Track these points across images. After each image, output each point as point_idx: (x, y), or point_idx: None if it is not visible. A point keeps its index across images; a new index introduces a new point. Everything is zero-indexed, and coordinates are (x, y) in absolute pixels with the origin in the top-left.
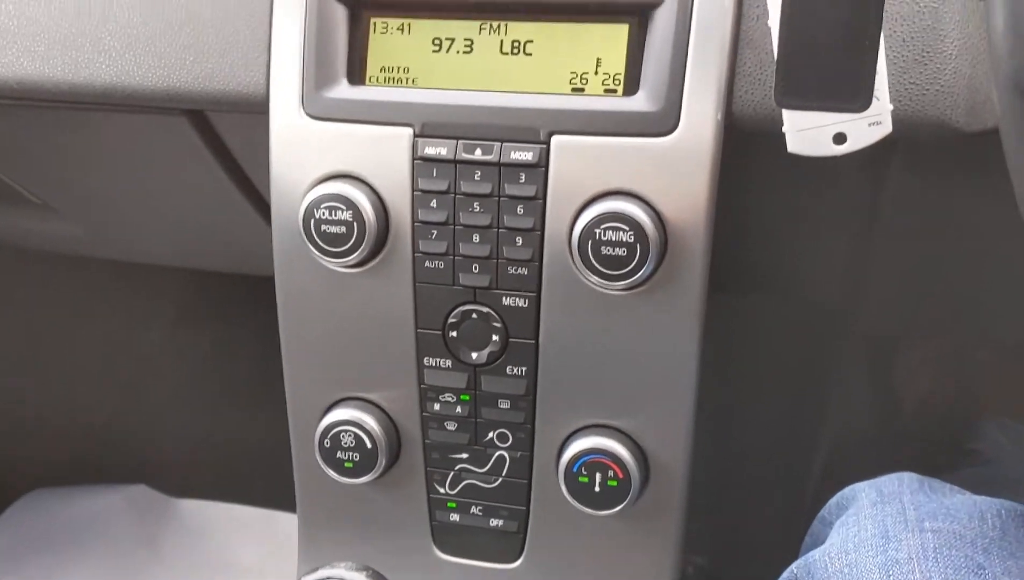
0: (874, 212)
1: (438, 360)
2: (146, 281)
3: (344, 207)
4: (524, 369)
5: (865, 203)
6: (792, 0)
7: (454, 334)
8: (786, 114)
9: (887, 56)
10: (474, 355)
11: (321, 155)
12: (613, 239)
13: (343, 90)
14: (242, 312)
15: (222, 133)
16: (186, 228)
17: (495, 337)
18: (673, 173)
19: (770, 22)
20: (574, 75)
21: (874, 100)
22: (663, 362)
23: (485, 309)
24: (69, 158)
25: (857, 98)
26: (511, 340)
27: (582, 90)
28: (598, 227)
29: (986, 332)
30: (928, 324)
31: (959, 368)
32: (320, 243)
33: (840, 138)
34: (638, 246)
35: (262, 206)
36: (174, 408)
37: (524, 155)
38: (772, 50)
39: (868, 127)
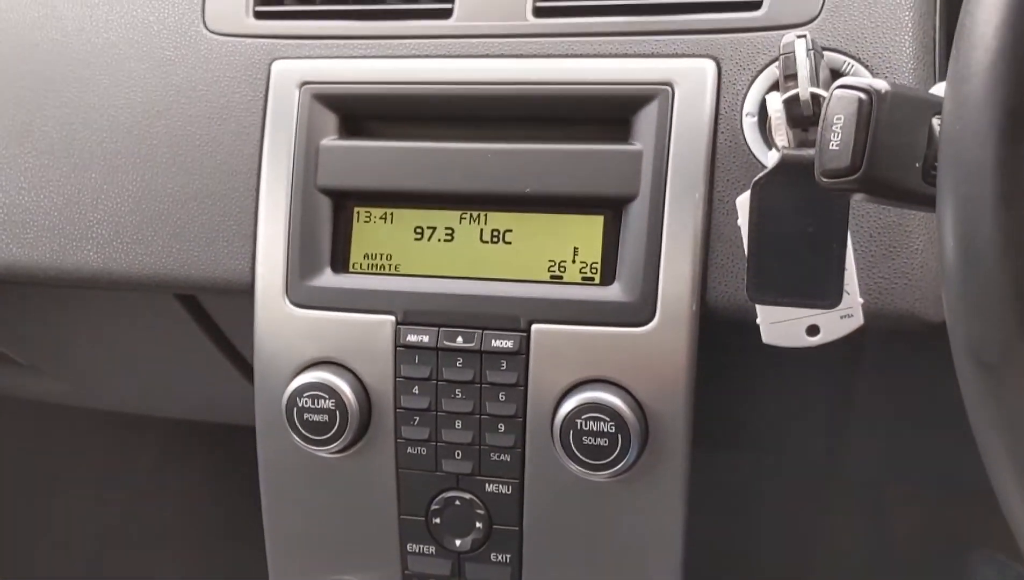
0: (852, 380)
1: (421, 547)
2: (134, 422)
3: (326, 396)
4: (508, 556)
5: (844, 376)
6: (760, 209)
7: (437, 521)
8: (759, 307)
9: (855, 251)
10: (458, 542)
11: (304, 342)
12: (594, 429)
13: (327, 279)
14: (227, 455)
15: (209, 309)
16: (171, 384)
17: (479, 524)
18: (651, 362)
19: (740, 222)
20: (552, 263)
21: (844, 294)
22: (648, 544)
23: (468, 496)
24: (57, 328)
25: (828, 296)
26: (495, 527)
27: (560, 278)
28: (579, 417)
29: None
30: (913, 470)
31: (947, 507)
32: (303, 431)
33: (813, 330)
34: (619, 436)
35: (246, 368)
36: (164, 546)
37: (505, 343)
38: (743, 245)
39: (840, 319)
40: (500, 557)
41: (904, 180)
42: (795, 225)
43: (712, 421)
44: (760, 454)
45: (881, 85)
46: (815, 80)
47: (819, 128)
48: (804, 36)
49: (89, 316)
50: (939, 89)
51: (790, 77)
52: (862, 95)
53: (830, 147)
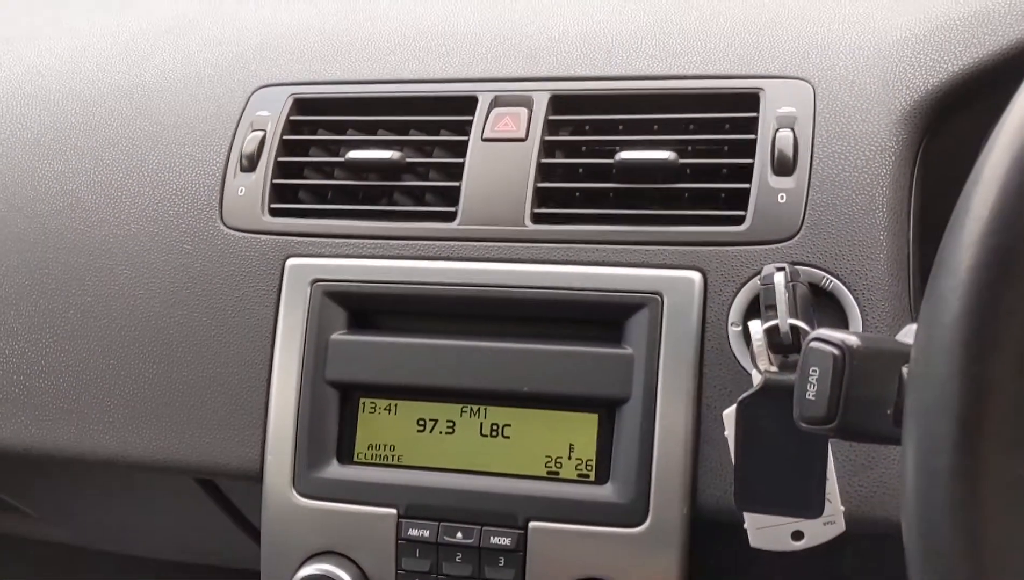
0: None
1: None
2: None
3: None
4: None
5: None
6: (745, 425)
7: None
8: (746, 514)
9: (836, 461)
10: None
11: (310, 533)
12: None
13: (333, 470)
14: None
15: (221, 484)
16: (172, 535)
17: None
18: (643, 563)
19: (726, 434)
20: (549, 459)
21: (827, 503)
22: None
23: None
24: (70, 491)
25: (810, 508)
26: None
27: (557, 474)
28: None
29: None
30: None
31: None
32: None
33: (798, 535)
34: None
35: (251, 529)
36: None
37: (503, 540)
38: (731, 454)
39: (823, 526)
40: None
41: (876, 426)
42: (778, 442)
43: None
44: None
45: (853, 341)
46: (794, 310)
47: (796, 375)
48: (784, 269)
49: (107, 481)
50: (907, 334)
51: (770, 307)
52: (836, 351)
53: (807, 397)
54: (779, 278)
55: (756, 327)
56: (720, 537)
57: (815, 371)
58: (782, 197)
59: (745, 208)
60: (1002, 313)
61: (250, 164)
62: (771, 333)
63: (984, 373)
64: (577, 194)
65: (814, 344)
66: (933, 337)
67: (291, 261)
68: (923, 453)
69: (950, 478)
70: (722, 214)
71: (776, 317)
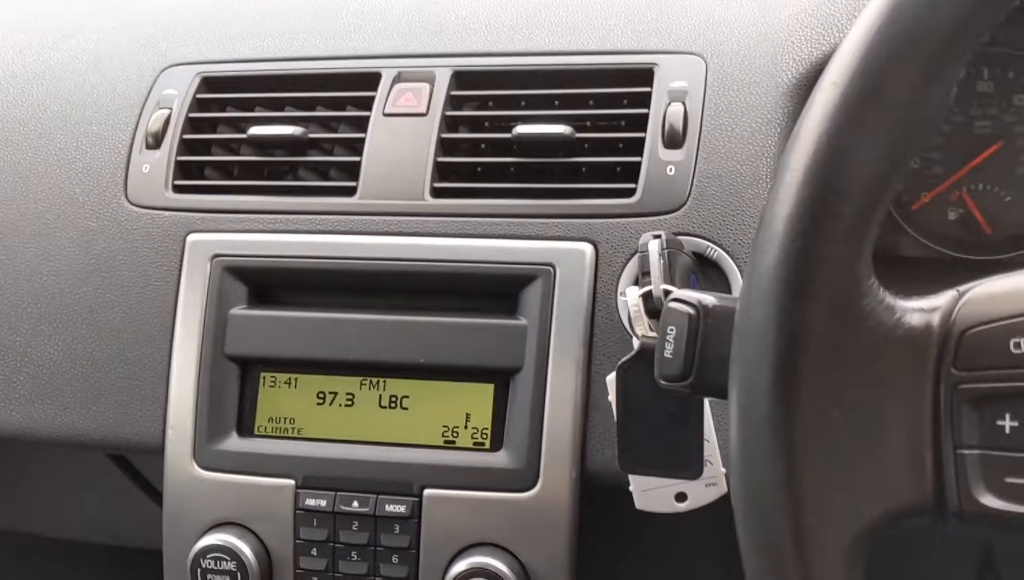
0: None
1: None
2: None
3: (228, 558)
4: None
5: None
6: (624, 389)
7: None
8: (631, 476)
9: (716, 423)
10: None
11: (210, 504)
12: None
13: (232, 443)
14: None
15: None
16: (92, 516)
17: None
18: (534, 527)
19: (609, 398)
20: (446, 428)
21: (707, 465)
22: None
23: None
24: None
25: (690, 468)
26: None
27: (453, 443)
28: None
29: None
30: None
31: None
32: None
33: (681, 497)
34: None
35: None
36: None
37: (398, 508)
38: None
39: (705, 487)
40: None
41: (727, 382)
42: (657, 405)
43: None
44: None
45: (708, 301)
46: (668, 276)
47: (657, 335)
48: (659, 237)
49: (23, 460)
50: None
51: (646, 273)
52: (691, 310)
53: (664, 354)
54: (653, 245)
55: (632, 293)
56: (613, 501)
57: (672, 330)
58: (671, 169)
59: (637, 181)
60: (813, 260)
61: (155, 142)
62: (647, 299)
63: (796, 320)
64: (479, 169)
65: (671, 304)
66: (751, 287)
67: (192, 237)
68: (743, 402)
69: (768, 425)
70: (614, 187)
71: (651, 283)
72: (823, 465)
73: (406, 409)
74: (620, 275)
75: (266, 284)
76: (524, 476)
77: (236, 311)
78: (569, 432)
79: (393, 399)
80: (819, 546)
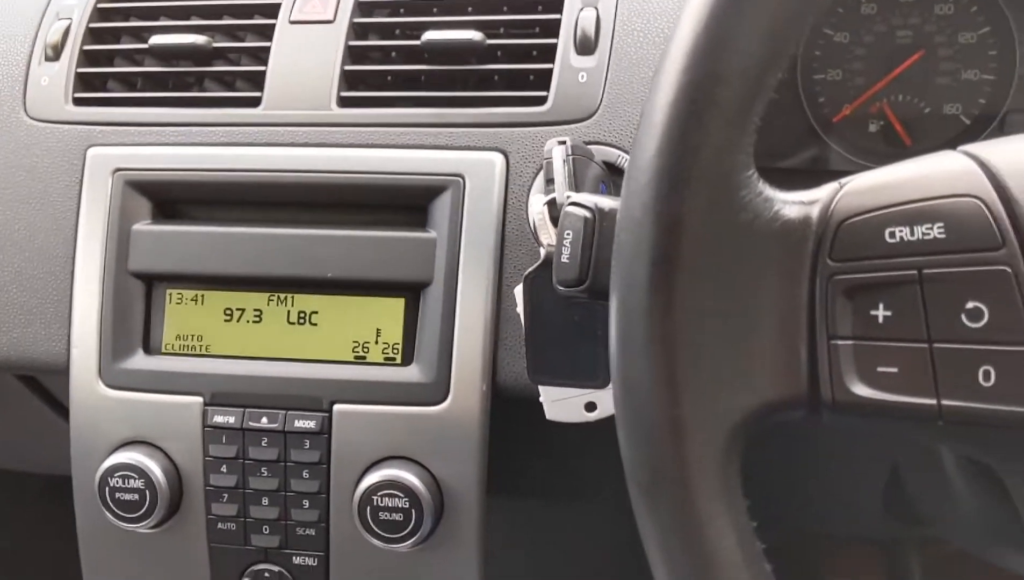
0: None
1: None
2: None
3: (136, 476)
4: None
5: None
6: (532, 300)
7: None
8: (541, 387)
9: None
10: None
11: (117, 423)
12: (389, 505)
13: (138, 361)
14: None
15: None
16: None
17: None
18: (445, 440)
19: (518, 310)
20: (356, 344)
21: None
22: None
23: (277, 568)
24: None
25: (597, 377)
26: None
27: (364, 358)
28: (375, 494)
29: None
30: None
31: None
32: (115, 510)
33: (591, 406)
34: (413, 511)
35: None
36: None
37: (307, 423)
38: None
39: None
40: None
41: None
42: (563, 314)
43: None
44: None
45: (605, 204)
46: (573, 184)
47: (556, 239)
48: (564, 142)
49: None
50: None
51: (551, 181)
52: (587, 213)
53: (562, 259)
54: (558, 152)
55: (536, 201)
56: (526, 413)
57: (568, 234)
58: (583, 76)
59: (548, 89)
60: (691, 148)
61: (55, 53)
62: (552, 207)
63: (673, 210)
64: (388, 77)
65: (568, 208)
66: (631, 178)
67: (93, 150)
68: (622, 294)
69: (645, 316)
70: (525, 95)
71: (555, 190)
72: (699, 357)
73: (315, 325)
74: (531, 185)
75: (170, 198)
76: (434, 390)
77: (139, 226)
78: (479, 345)
79: (302, 315)
80: (695, 438)
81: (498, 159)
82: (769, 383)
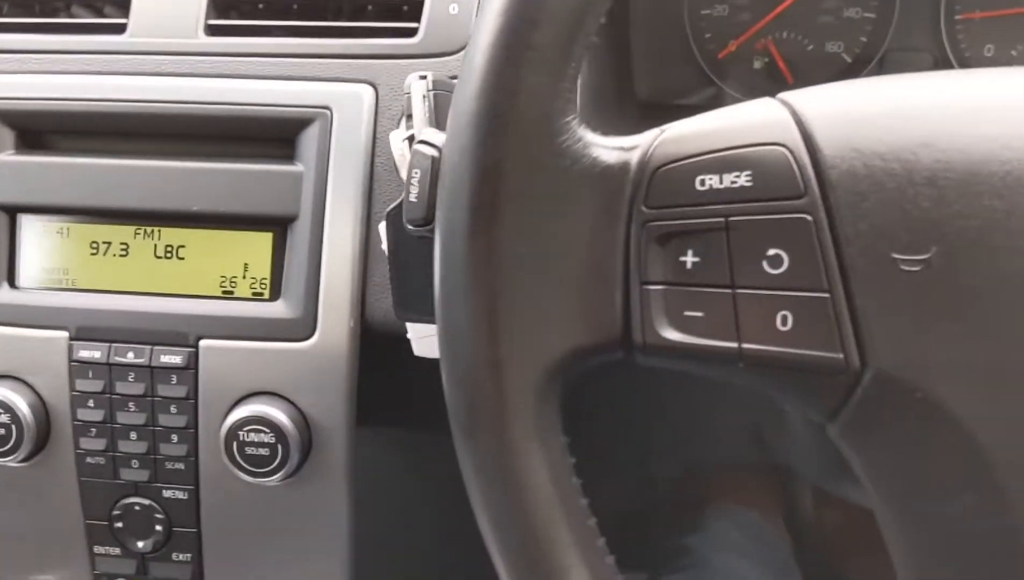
0: None
1: (107, 548)
2: None
3: (2, 410)
4: (189, 555)
5: None
6: (395, 236)
7: (120, 524)
8: (408, 323)
9: None
10: (140, 544)
11: None
12: (256, 440)
13: (3, 294)
14: None
15: None
16: None
17: (159, 527)
18: (313, 376)
19: (383, 246)
20: (224, 279)
21: None
22: (319, 541)
23: (147, 502)
24: None
25: None
26: (175, 529)
27: (232, 293)
28: (241, 429)
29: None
30: None
31: None
32: None
33: None
34: (279, 447)
35: None
36: None
37: (174, 358)
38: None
39: None
40: (181, 556)
41: None
42: (423, 252)
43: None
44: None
45: None
46: (433, 120)
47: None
48: (425, 77)
49: None
50: None
51: (410, 116)
52: (435, 152)
53: (410, 198)
54: (417, 87)
55: (396, 136)
56: (395, 349)
57: (416, 173)
58: (454, 8)
59: (420, 20)
60: (507, 93)
61: None
62: (411, 143)
63: (490, 154)
64: (261, 5)
65: (416, 147)
66: (452, 122)
67: None
68: (443, 238)
69: (464, 260)
70: (396, 27)
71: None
72: (516, 301)
73: (183, 259)
74: (400, 120)
75: (34, 128)
76: (301, 325)
77: (2, 157)
78: (347, 281)
79: (169, 249)
80: (510, 379)
81: (367, 92)
82: (584, 327)
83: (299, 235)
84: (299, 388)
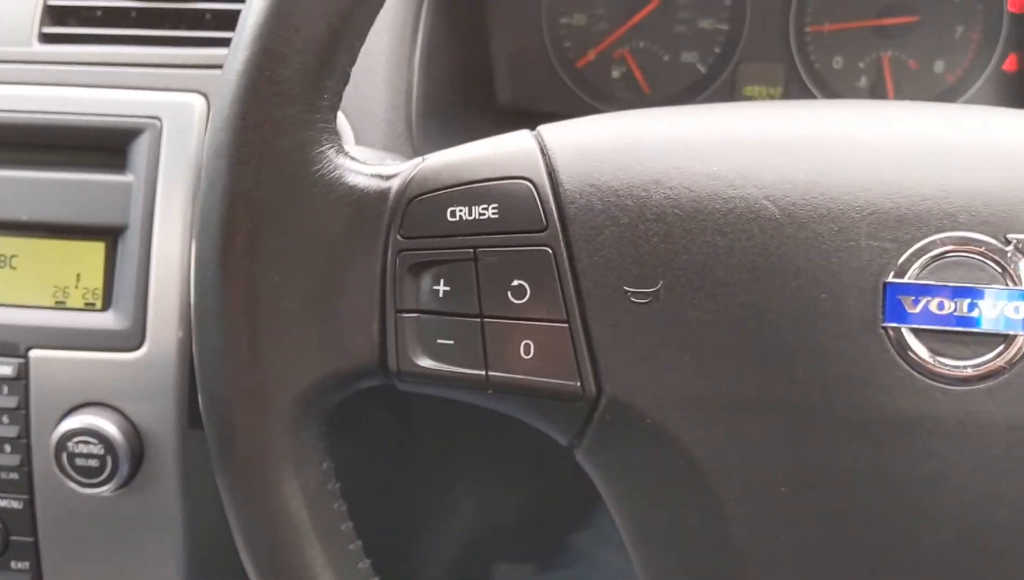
0: None
1: None
2: None
3: None
4: (28, 563)
5: None
6: None
7: None
8: None
9: None
10: None
11: None
12: (84, 451)
13: None
14: None
15: None
16: None
17: None
18: (143, 386)
19: None
20: (57, 289)
21: None
22: (153, 549)
23: None
24: None
25: None
26: (12, 538)
27: (64, 303)
28: (70, 441)
29: None
30: None
31: None
32: None
33: None
34: (108, 458)
35: None
36: None
37: (4, 369)
38: None
39: None
40: (19, 564)
41: None
42: None
43: None
44: None
45: None
46: None
47: None
48: None
49: None
50: None
51: None
52: None
53: None
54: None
55: None
56: None
57: None
58: None
59: None
60: (251, 125)
61: None
62: None
63: (237, 185)
64: (99, 13)
65: None
66: (206, 153)
67: None
68: (196, 265)
69: (213, 288)
70: (230, 36)
71: None
72: (269, 329)
73: (15, 269)
74: None
75: None
76: (130, 336)
77: None
78: (176, 291)
79: (1, 258)
80: (264, 409)
81: (198, 101)
82: (340, 354)
83: (129, 245)
84: (129, 398)
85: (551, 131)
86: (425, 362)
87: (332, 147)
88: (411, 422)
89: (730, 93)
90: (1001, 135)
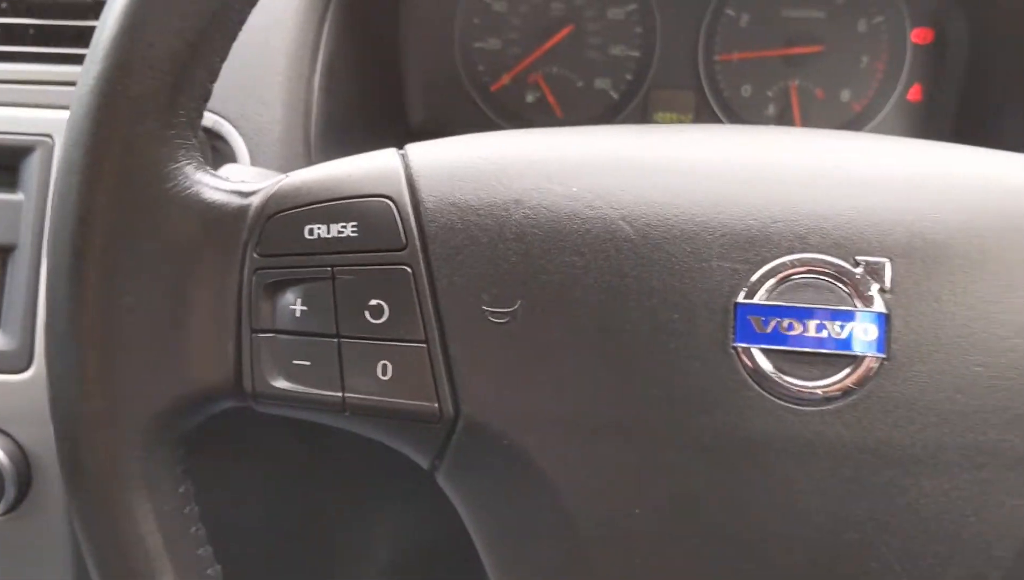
0: None
1: None
2: None
3: None
4: None
5: None
6: None
7: None
8: None
9: None
10: None
11: None
12: None
13: None
14: None
15: None
16: None
17: None
18: (31, 409)
19: None
20: None
21: None
22: (41, 575)
23: None
24: None
25: None
26: None
27: None
28: None
29: None
30: None
31: None
32: None
33: None
34: None
35: None
36: None
37: None
38: None
39: None
40: None
41: None
42: None
43: None
44: None
45: None
46: None
47: None
48: None
49: None
50: None
51: None
52: None
53: None
54: None
55: None
56: None
57: None
58: None
59: None
60: (101, 141)
61: None
62: None
63: (85, 204)
64: None
65: None
66: (57, 170)
67: None
68: (48, 281)
69: (62, 307)
70: None
71: None
72: (119, 350)
73: None
74: None
75: None
76: (18, 357)
77: None
78: None
79: None
80: (114, 432)
81: None
82: (194, 375)
83: (19, 265)
84: (17, 421)
85: (417, 150)
86: (281, 383)
87: (190, 164)
88: (327, 453)
89: (642, 119)
90: (853, 159)
